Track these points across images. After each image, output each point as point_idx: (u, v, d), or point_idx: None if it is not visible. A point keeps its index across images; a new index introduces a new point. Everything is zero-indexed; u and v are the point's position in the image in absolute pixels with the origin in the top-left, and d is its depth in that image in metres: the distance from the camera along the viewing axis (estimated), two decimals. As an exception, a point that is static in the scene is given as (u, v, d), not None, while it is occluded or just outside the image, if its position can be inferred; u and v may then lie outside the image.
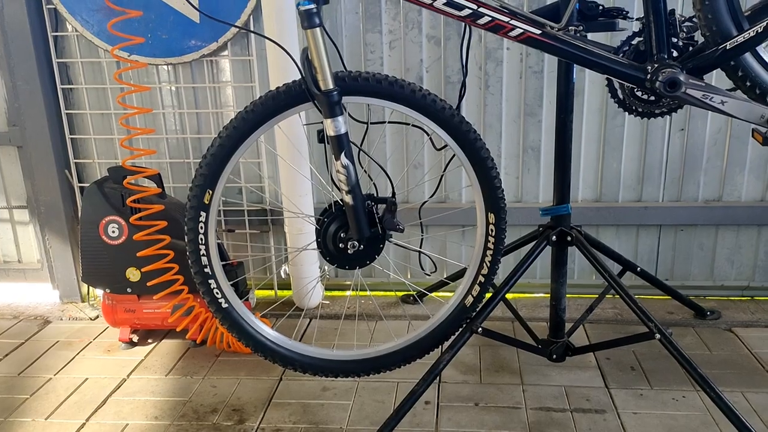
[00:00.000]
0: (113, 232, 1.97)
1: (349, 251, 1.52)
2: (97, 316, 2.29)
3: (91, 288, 2.41)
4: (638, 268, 1.95)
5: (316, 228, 1.53)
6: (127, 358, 2.02)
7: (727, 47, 1.27)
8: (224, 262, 1.64)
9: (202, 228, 1.50)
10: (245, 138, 1.45)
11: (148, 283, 1.93)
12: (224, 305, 1.56)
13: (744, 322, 2.08)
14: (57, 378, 1.92)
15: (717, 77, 1.94)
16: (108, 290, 2.03)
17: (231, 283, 1.61)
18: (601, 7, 1.54)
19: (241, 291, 2.05)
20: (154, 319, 2.04)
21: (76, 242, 2.34)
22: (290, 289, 2.33)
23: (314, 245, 1.55)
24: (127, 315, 2.04)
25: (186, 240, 1.52)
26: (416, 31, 2.11)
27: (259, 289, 2.41)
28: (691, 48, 1.35)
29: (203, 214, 1.49)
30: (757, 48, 1.29)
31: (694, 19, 1.35)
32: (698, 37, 1.36)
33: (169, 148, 2.30)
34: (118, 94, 2.14)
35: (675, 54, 1.36)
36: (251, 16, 2.08)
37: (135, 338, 2.09)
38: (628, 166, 2.18)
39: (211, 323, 1.98)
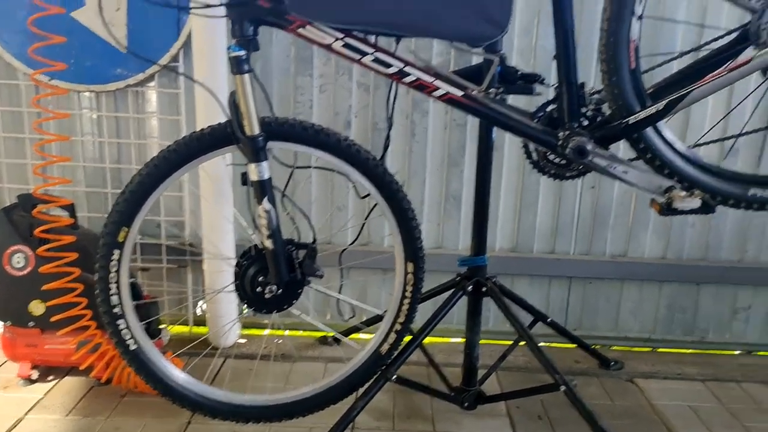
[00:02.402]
0: (18, 262, 1.88)
1: (266, 295, 1.51)
2: (-6, 350, 2.16)
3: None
4: (548, 319, 2.02)
5: (235, 271, 1.52)
6: (25, 396, 1.90)
7: (630, 122, 1.37)
8: (137, 301, 1.59)
9: (114, 267, 1.45)
10: (166, 177, 1.43)
11: (53, 318, 1.84)
12: (132, 347, 1.51)
13: (644, 373, 2.18)
14: (-57, 417, 1.79)
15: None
16: (8, 323, 1.92)
17: (144, 322, 1.57)
18: (520, 72, 1.63)
19: (153, 329, 1.99)
20: (57, 355, 1.93)
21: (-24, 270, 2.20)
22: (206, 325, 2.27)
23: (232, 288, 1.53)
24: (28, 350, 1.93)
25: (96, 278, 1.47)
26: (347, 77, 2.16)
27: (174, 325, 2.34)
28: (599, 118, 1.45)
29: (116, 252, 1.45)
30: (657, 123, 1.40)
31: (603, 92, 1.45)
32: (606, 108, 1.46)
33: (86, 176, 2.22)
34: (35, 118, 2.06)
35: (585, 123, 1.45)
36: (181, 51, 2.06)
37: (35, 375, 1.98)
38: (543, 220, 2.28)
39: (118, 361, 1.90)
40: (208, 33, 1.88)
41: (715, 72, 1.35)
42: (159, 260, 2.24)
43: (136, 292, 1.74)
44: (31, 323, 1.90)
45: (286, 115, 2.12)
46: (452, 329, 2.37)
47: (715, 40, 1.49)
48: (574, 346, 2.22)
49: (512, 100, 1.68)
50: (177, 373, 1.58)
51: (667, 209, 1.35)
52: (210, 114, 1.78)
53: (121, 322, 1.50)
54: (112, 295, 1.47)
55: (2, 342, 1.95)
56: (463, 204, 2.26)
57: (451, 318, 2.35)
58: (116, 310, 1.49)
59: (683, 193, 1.34)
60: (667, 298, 2.33)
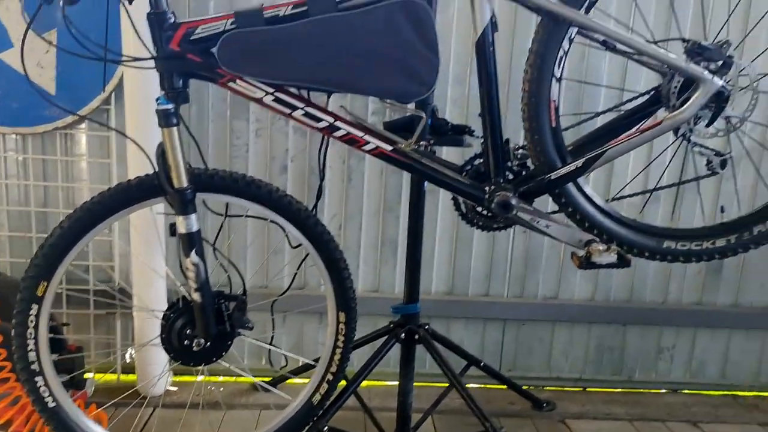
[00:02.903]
0: (-68, 312, 1.78)
1: (194, 348, 1.48)
2: None
3: None
4: (482, 363, 2.05)
5: (162, 323, 1.49)
6: (-65, 455, 1.79)
7: (552, 177, 1.43)
8: (59, 355, 1.54)
9: (32, 322, 1.40)
10: (89, 230, 1.40)
11: (-32, 371, 1.75)
12: (51, 404, 1.46)
13: (575, 414, 2.23)
14: None
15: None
16: None
17: (67, 374, 1.51)
18: (450, 124, 1.67)
19: (78, 380, 1.91)
20: (-28, 410, 1.84)
21: None
22: (135, 373, 2.20)
23: (158, 341, 1.50)
24: (-60, 405, 1.83)
25: (14, 333, 1.41)
26: (283, 121, 2.17)
27: (102, 373, 2.26)
28: (524, 173, 1.50)
29: (35, 306, 1.40)
30: (578, 179, 1.46)
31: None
32: (531, 163, 1.51)
33: (10, 220, 2.14)
34: (-44, 160, 1.99)
35: (511, 177, 1.50)
36: (113, 94, 2.03)
37: (-53, 431, 1.87)
38: (478, 263, 2.32)
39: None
40: (141, 79, 1.85)
41: (629, 132, 1.42)
42: (87, 305, 2.17)
43: (58, 343, 1.68)
44: (-57, 377, 1.80)
45: (223, 159, 2.15)
46: (389, 372, 2.36)
47: (630, 101, 1.58)
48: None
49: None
50: (99, 430, 1.52)
51: (586, 263, 1.41)
52: (141, 157, 1.75)
53: (39, 379, 1.44)
54: (29, 351, 1.42)
55: None
56: (400, 248, 2.28)
57: (388, 361, 2.35)
58: (34, 366, 1.43)
59: (602, 247, 1.40)
60: (596, 338, 2.40)
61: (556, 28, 1.36)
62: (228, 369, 2.24)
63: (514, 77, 2.08)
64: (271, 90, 1.37)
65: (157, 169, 1.37)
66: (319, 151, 1.62)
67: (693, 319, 2.37)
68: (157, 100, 1.36)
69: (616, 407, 2.29)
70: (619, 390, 2.43)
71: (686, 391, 2.44)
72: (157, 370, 2.11)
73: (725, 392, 2.43)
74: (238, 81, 1.36)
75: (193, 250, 1.39)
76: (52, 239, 1.39)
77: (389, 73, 1.33)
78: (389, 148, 1.43)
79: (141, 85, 1.86)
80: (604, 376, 2.42)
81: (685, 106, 1.37)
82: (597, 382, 2.43)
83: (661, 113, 1.46)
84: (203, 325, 1.45)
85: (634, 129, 1.45)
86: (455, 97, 2.17)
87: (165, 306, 2.00)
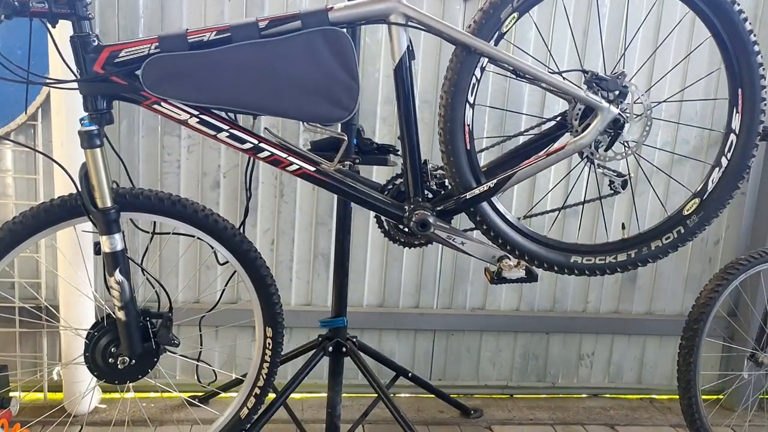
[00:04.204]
0: None
1: (119, 366, 1.50)
2: None
3: None
4: (410, 374, 2.12)
5: (85, 342, 1.49)
6: None
7: (467, 197, 1.51)
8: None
9: (-51, 343, 1.39)
10: (9, 250, 1.40)
11: None
12: (-30, 426, 1.44)
13: (501, 420, 2.33)
14: None
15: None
16: None
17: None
18: (375, 144, 1.74)
19: (3, 399, 1.88)
20: None
21: None
22: (62, 391, 2.17)
23: (81, 360, 1.50)
24: None
25: (-71, 355, 1.40)
26: (215, 138, 2.19)
27: (28, 391, 2.22)
28: (442, 192, 1.58)
29: (-47, 327, 1.39)
30: (492, 198, 1.55)
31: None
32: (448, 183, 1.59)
33: (-71, 237, 2.09)
34: None
35: (430, 196, 1.58)
36: (40, 109, 2.02)
37: None
38: (408, 276, 2.39)
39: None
40: (66, 98, 1.85)
41: (538, 155, 1.52)
42: (12, 322, 2.13)
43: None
44: None
45: (154, 175, 2.16)
46: (322, 384, 2.40)
47: (539, 125, 1.68)
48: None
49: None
50: (21, 451, 1.51)
51: (497, 278, 1.49)
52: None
53: (-44, 401, 1.42)
54: (-54, 372, 1.40)
55: None
56: (332, 262, 2.32)
57: (321, 373, 2.39)
58: (-49, 388, 1.41)
59: (512, 263, 1.49)
60: (521, 347, 2.50)
61: (468, 57, 1.45)
62: (156, 386, 2.25)
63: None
64: (196, 112, 1.41)
65: (80, 190, 1.39)
66: (246, 171, 1.65)
67: (611, 327, 2.51)
68: (81, 120, 1.37)
69: (540, 412, 2.40)
70: (544, 396, 2.54)
71: (605, 395, 2.57)
72: (85, 388, 2.10)
73: (642, 395, 2.58)
74: (162, 103, 1.39)
75: (117, 269, 1.41)
76: (-28, 259, 1.38)
77: (311, 98, 1.39)
78: (313, 168, 1.49)
79: (67, 103, 1.86)
80: (529, 383, 2.54)
81: (585, 132, 1.48)
82: (523, 388, 2.53)
83: (566, 138, 1.57)
84: (128, 343, 1.47)
85: (542, 152, 1.55)
86: (384, 115, 2.25)
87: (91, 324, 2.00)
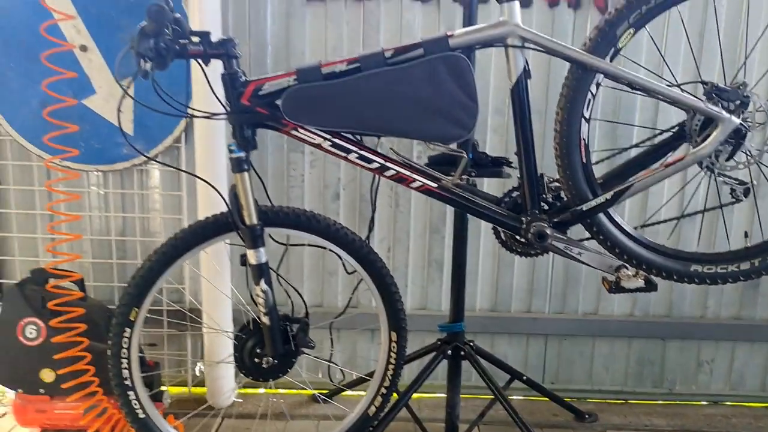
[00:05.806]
0: (31, 333, 2.02)
1: (263, 366, 1.66)
2: (5, 414, 2.28)
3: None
4: (524, 377, 2.18)
5: (234, 344, 1.68)
6: (34, 460, 2.02)
7: (584, 209, 1.56)
8: (145, 373, 1.74)
9: (126, 343, 1.61)
10: (173, 262, 1.60)
11: (63, 385, 1.97)
12: (141, 416, 1.66)
13: (617, 425, 2.33)
14: (-42, 482, 1.90)
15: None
16: (20, 390, 2.05)
17: (147, 386, 1.71)
18: (489, 158, 1.82)
19: (157, 393, 2.12)
20: (65, 419, 2.06)
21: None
22: (205, 386, 2.40)
23: (231, 359, 1.69)
24: (38, 415, 2.06)
25: (110, 353, 1.62)
26: (335, 153, 2.34)
27: (173, 385, 2.47)
28: (558, 205, 1.63)
29: (128, 330, 1.61)
30: (608, 209, 1.59)
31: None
32: (564, 195, 1.64)
33: (93, 248, 2.38)
34: (46, 195, 2.23)
35: (546, 208, 1.64)
36: (183, 133, 2.25)
37: (43, 439, 2.10)
38: (519, 281, 2.45)
39: (123, 424, 2.03)
40: (207, 124, 2.06)
41: (654, 166, 1.54)
42: (160, 324, 2.38)
43: (142, 361, 1.88)
44: (41, 390, 2.03)
45: (281, 189, 2.34)
46: (437, 385, 2.51)
47: (656, 136, 1.70)
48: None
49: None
50: (181, 439, 1.72)
51: (616, 288, 1.53)
52: (209, 189, 1.94)
53: (131, 394, 1.64)
54: (123, 369, 1.63)
55: (14, 408, 2.07)
56: (445, 267, 2.43)
57: (436, 375, 2.49)
58: (127, 382, 1.64)
59: (630, 273, 1.52)
60: (636, 352, 2.49)
61: (584, 74, 1.49)
62: (290, 382, 2.43)
63: (551, 114, 2.21)
64: (328, 136, 1.55)
65: (230, 208, 1.56)
66: (371, 188, 1.78)
67: (732, 333, 2.44)
68: (230, 147, 1.54)
69: (657, 419, 2.38)
70: (660, 402, 2.51)
71: (725, 403, 2.51)
72: (225, 384, 2.31)
73: (766, 404, 2.49)
74: (300, 129, 1.54)
75: (263, 279, 1.58)
76: (142, 271, 1.59)
77: (433, 119, 1.49)
78: (434, 185, 1.59)
79: (207, 129, 2.08)
80: (645, 389, 2.52)
81: (705, 143, 1.49)
82: (638, 394, 2.52)
83: (685, 148, 1.57)
84: (271, 346, 1.63)
85: (658, 163, 1.57)
86: (495, 126, 2.32)
87: (231, 325, 2.20)
